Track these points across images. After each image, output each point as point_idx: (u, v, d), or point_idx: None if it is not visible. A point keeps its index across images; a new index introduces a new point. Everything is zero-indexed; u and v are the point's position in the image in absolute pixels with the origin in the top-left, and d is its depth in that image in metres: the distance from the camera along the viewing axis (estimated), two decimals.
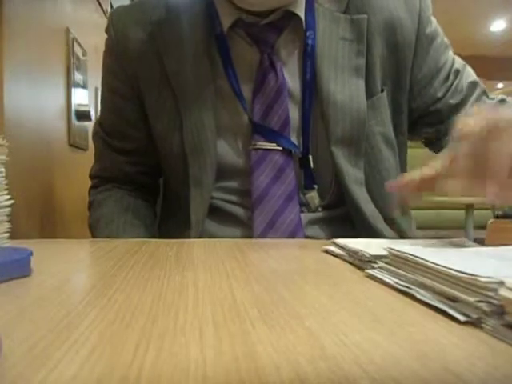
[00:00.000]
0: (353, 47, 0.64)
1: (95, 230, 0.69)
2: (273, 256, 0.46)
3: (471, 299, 0.24)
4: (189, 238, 0.63)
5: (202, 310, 0.26)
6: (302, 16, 0.64)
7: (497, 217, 3.57)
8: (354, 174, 0.64)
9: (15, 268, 0.34)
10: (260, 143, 0.64)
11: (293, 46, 0.66)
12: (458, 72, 0.71)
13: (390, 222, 0.66)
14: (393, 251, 0.34)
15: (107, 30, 0.70)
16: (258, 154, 0.64)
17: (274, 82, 0.64)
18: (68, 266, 0.40)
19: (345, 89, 0.64)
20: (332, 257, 0.44)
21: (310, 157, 0.65)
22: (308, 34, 0.64)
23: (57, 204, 0.90)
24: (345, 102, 0.63)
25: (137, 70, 0.67)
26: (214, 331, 0.22)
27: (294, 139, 0.65)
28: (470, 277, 0.25)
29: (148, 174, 0.76)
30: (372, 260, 0.37)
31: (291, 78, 0.65)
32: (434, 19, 0.70)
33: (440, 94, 0.69)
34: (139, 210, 0.73)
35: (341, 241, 0.44)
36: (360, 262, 0.38)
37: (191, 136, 0.64)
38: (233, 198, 0.67)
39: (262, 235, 0.63)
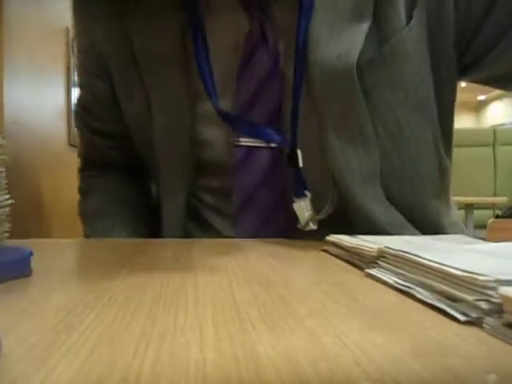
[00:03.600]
0: None
1: (83, 221, 0.67)
2: (273, 256, 0.46)
3: (470, 298, 0.24)
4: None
5: (202, 310, 0.26)
6: None
7: (497, 216, 3.57)
8: (358, 169, 0.48)
9: (15, 268, 0.34)
10: (244, 138, 0.54)
11: (289, 12, 0.50)
12: None
13: (420, 225, 0.51)
14: (392, 250, 0.34)
15: (73, 9, 0.63)
16: (242, 152, 0.53)
17: (265, 61, 0.51)
18: (68, 266, 0.40)
19: (340, 43, 0.47)
20: (332, 256, 0.44)
21: (299, 151, 0.50)
22: None
23: (57, 204, 0.90)
24: (332, 69, 0.47)
25: (105, 48, 0.60)
26: (214, 331, 0.22)
27: (284, 132, 0.52)
28: (469, 275, 0.25)
29: (134, 158, 0.66)
30: (376, 256, 0.37)
31: (286, 52, 0.52)
32: None
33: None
34: (127, 199, 0.67)
35: (340, 237, 0.44)
36: (360, 262, 0.38)
37: (162, 125, 0.55)
38: (212, 200, 0.59)
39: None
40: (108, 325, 0.23)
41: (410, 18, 0.47)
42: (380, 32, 0.47)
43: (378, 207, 0.49)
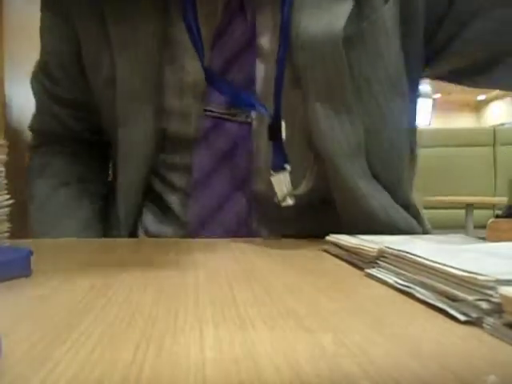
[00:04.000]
0: None
1: (29, 205, 0.60)
2: (273, 256, 0.46)
3: (471, 298, 0.24)
4: (118, 236, 0.55)
5: (202, 310, 0.26)
6: None
7: (497, 216, 3.56)
8: (344, 141, 0.47)
9: (15, 268, 0.34)
10: (214, 108, 0.51)
11: None
12: None
13: (403, 204, 0.51)
14: (392, 250, 0.34)
15: None
16: (210, 121, 0.51)
17: (241, 33, 0.51)
18: (68, 266, 0.40)
19: (321, 21, 0.46)
20: (331, 256, 0.44)
21: (283, 123, 0.48)
22: None
23: None
24: (317, 37, 0.46)
25: (74, 12, 0.56)
26: (214, 331, 0.22)
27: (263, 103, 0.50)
28: (469, 275, 0.25)
29: (99, 134, 0.62)
30: (376, 256, 0.37)
31: (265, 25, 0.51)
32: None
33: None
34: (82, 184, 0.62)
35: (340, 237, 0.44)
36: (360, 262, 0.38)
37: (126, 94, 0.52)
38: (173, 177, 0.55)
39: (199, 233, 0.52)
40: (108, 325, 0.23)
41: None
42: (360, 10, 0.47)
43: (363, 182, 0.48)
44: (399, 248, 0.34)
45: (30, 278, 0.34)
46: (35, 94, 0.64)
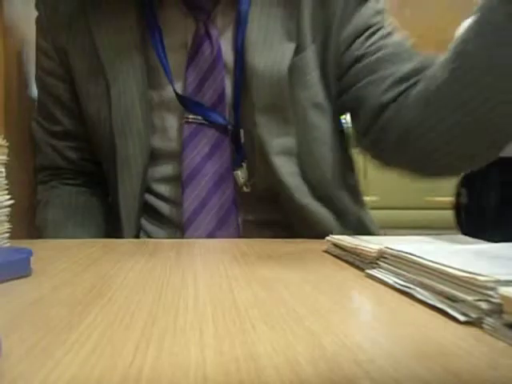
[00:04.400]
0: (285, 12, 0.61)
1: (43, 232, 0.66)
2: (272, 256, 0.46)
3: (470, 298, 0.24)
4: (123, 236, 0.62)
5: (202, 310, 0.26)
6: None
7: None
8: (280, 145, 0.60)
9: (15, 268, 0.34)
10: (192, 117, 0.62)
11: (228, 15, 0.63)
12: (386, 34, 0.64)
13: (325, 198, 0.63)
14: (392, 251, 0.34)
15: (37, 7, 0.67)
16: (191, 127, 0.62)
17: (209, 53, 0.61)
18: (68, 265, 0.40)
19: (271, 54, 0.60)
20: (331, 256, 0.44)
21: (241, 131, 0.62)
22: (243, 1, 0.61)
23: None
24: (266, 67, 0.60)
25: (66, 45, 0.64)
26: (214, 331, 0.22)
27: (228, 113, 0.62)
28: (469, 275, 0.25)
29: (93, 162, 0.71)
30: (377, 257, 0.37)
31: (227, 48, 0.62)
32: None
33: (359, 53, 0.63)
34: (89, 209, 0.70)
35: (340, 237, 0.44)
36: (360, 263, 0.38)
37: (120, 114, 0.61)
38: (166, 190, 0.64)
39: (193, 217, 0.61)
40: (108, 325, 0.23)
41: (312, 40, 0.62)
42: (296, 48, 0.61)
43: (293, 179, 0.61)
44: (399, 249, 0.34)
45: (29, 277, 0.34)
46: (35, 134, 0.71)
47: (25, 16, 0.73)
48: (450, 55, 0.51)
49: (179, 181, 0.62)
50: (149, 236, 0.65)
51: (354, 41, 0.63)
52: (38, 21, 0.67)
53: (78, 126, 0.68)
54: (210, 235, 0.61)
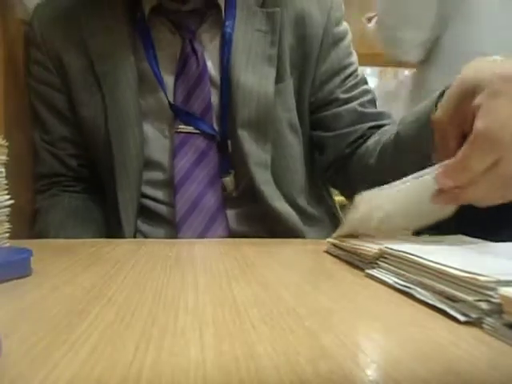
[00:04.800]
0: (267, 38, 0.68)
1: (44, 236, 0.68)
2: (272, 256, 0.46)
3: (470, 298, 0.24)
4: (123, 237, 0.64)
5: (201, 310, 0.26)
6: (222, 6, 0.67)
7: None
8: (258, 156, 0.67)
9: (15, 268, 0.34)
10: (182, 127, 0.66)
11: (213, 34, 0.69)
12: (358, 79, 0.74)
13: (295, 206, 0.69)
14: (392, 251, 0.34)
15: (31, 22, 0.70)
16: (181, 137, 0.66)
17: (195, 68, 0.67)
18: (68, 265, 0.40)
19: (255, 76, 0.67)
20: (331, 257, 0.44)
21: (229, 142, 0.67)
22: (227, 23, 0.68)
23: None
24: (253, 87, 0.66)
25: (62, 59, 0.68)
26: (214, 331, 0.22)
27: (215, 124, 0.67)
28: (469, 276, 0.25)
29: (91, 168, 0.74)
30: (377, 257, 0.37)
31: (212, 65, 0.68)
32: (346, 24, 0.75)
33: (337, 94, 0.72)
34: (89, 213, 0.72)
35: (339, 237, 0.44)
36: (360, 263, 0.38)
37: (116, 123, 0.65)
38: (159, 193, 0.68)
39: (185, 217, 0.65)
40: (108, 325, 0.23)
41: (290, 74, 0.70)
42: (277, 75, 0.68)
43: (267, 188, 0.67)
44: (399, 249, 0.34)
45: (29, 277, 0.34)
46: (35, 143, 0.73)
47: (26, 16, 0.73)
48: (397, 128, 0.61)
49: (171, 185, 0.66)
50: (145, 236, 0.68)
51: (329, 80, 0.72)
52: (32, 35, 0.69)
53: (75, 134, 0.71)
54: (202, 234, 0.65)
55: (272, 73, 0.68)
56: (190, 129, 0.66)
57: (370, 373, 0.18)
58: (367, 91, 0.74)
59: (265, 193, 0.66)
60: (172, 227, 0.66)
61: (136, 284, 0.32)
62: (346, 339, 0.21)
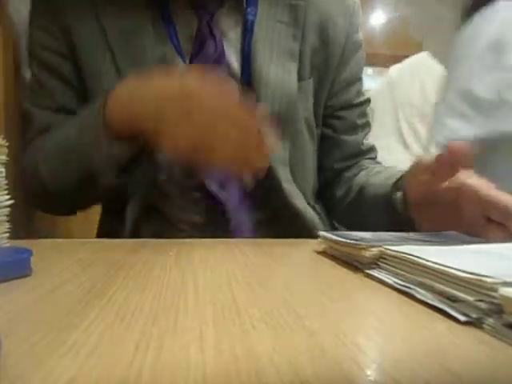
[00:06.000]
0: (289, 31, 0.66)
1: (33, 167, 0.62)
2: (272, 256, 0.46)
3: (471, 298, 0.24)
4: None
5: (202, 309, 0.26)
6: None
7: None
8: (278, 155, 0.65)
9: (15, 268, 0.34)
10: None
11: (233, 20, 0.66)
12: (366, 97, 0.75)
13: (310, 205, 0.69)
14: (392, 252, 0.34)
15: None
16: None
17: (213, 51, 0.64)
18: (68, 265, 0.40)
19: (278, 69, 0.64)
20: (331, 257, 0.44)
21: None
22: (249, 10, 0.65)
23: None
24: (277, 81, 0.64)
25: (70, 26, 0.64)
26: (214, 331, 0.22)
27: None
28: (475, 277, 0.24)
29: None
30: (376, 257, 0.37)
31: (230, 51, 0.65)
32: (360, 33, 0.74)
33: (354, 102, 0.73)
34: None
35: (336, 235, 0.43)
36: (360, 263, 0.38)
37: None
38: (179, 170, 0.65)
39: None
40: (108, 325, 0.23)
41: (310, 74, 0.69)
42: (298, 72, 0.67)
43: (288, 185, 0.66)
44: (398, 249, 0.34)
45: (29, 277, 0.34)
46: (31, 116, 0.68)
47: (25, 17, 0.74)
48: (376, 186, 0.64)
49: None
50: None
51: (347, 87, 0.72)
52: (36, 2, 0.66)
53: (79, 103, 0.66)
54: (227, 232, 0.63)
55: (294, 68, 0.65)
56: None
57: (370, 373, 0.18)
58: (368, 122, 0.76)
59: (286, 190, 0.65)
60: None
61: (136, 284, 0.32)
62: (345, 339, 0.21)
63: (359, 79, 0.74)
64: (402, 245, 0.35)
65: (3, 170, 0.46)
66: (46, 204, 0.68)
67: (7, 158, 0.46)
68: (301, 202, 0.67)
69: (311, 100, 0.69)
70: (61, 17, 0.64)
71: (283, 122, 0.64)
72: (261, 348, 0.20)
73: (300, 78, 0.66)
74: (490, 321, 0.23)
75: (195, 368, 0.18)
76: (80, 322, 0.24)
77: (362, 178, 0.71)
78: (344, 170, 0.75)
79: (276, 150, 0.61)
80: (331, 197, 0.75)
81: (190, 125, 0.50)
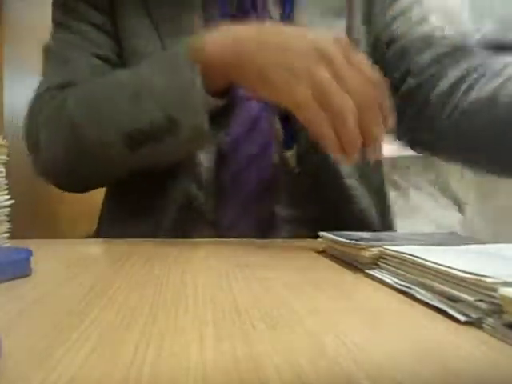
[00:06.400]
0: None
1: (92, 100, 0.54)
2: (272, 256, 0.46)
3: (471, 298, 0.24)
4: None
5: (202, 310, 0.26)
6: None
7: None
8: None
9: (15, 268, 0.34)
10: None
11: None
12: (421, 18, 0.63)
13: (367, 184, 0.62)
14: (392, 252, 0.34)
15: None
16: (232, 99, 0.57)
17: (254, 13, 0.60)
18: (68, 265, 0.40)
19: (325, 27, 0.60)
20: (332, 257, 0.44)
21: None
22: None
23: (57, 204, 0.90)
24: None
25: (113, 4, 0.60)
26: (214, 331, 0.22)
27: None
28: (475, 277, 0.24)
29: None
30: (377, 257, 0.37)
31: (274, 13, 0.61)
32: None
33: (396, 32, 0.63)
34: None
35: (337, 235, 0.43)
36: (360, 263, 0.38)
37: None
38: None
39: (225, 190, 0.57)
40: (108, 325, 0.23)
41: (364, 21, 0.63)
42: (348, 28, 0.61)
43: (352, 181, 0.60)
44: (398, 249, 0.34)
45: (29, 277, 0.34)
46: (51, 58, 0.62)
47: (25, 16, 0.74)
48: None
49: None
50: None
51: (391, 22, 0.63)
52: None
53: (116, 57, 0.61)
54: (240, 213, 0.58)
55: (342, 26, 0.60)
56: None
57: (370, 373, 0.18)
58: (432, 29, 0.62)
59: (341, 169, 0.59)
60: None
61: (136, 284, 0.32)
62: (346, 339, 0.21)
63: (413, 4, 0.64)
64: (402, 245, 0.35)
65: (3, 169, 0.46)
66: (58, 169, 0.59)
67: (7, 158, 0.46)
68: (355, 182, 0.60)
69: (366, 50, 0.62)
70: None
71: None
72: (261, 348, 0.20)
73: (348, 33, 0.60)
74: (490, 321, 0.23)
75: (195, 368, 0.18)
76: (80, 322, 0.24)
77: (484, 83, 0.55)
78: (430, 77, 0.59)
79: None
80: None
81: (318, 80, 0.43)
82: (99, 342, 0.21)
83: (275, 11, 0.61)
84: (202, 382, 0.17)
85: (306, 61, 0.44)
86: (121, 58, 0.61)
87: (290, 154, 0.60)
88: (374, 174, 0.65)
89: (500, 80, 0.52)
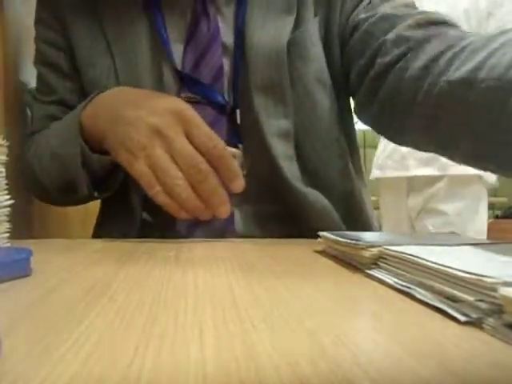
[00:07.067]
0: None
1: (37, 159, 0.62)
2: (272, 256, 0.46)
3: (471, 298, 0.24)
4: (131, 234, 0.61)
5: (202, 310, 0.26)
6: None
7: (496, 217, 3.56)
8: (277, 125, 0.60)
9: (15, 268, 0.34)
10: (189, 95, 0.61)
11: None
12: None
13: (323, 186, 0.62)
14: (392, 252, 0.34)
15: None
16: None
17: (206, 30, 0.61)
18: (68, 265, 0.40)
19: (270, 30, 0.60)
20: (331, 257, 0.44)
21: (237, 111, 0.61)
22: None
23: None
24: (266, 43, 0.59)
25: (68, 19, 0.65)
26: (214, 331, 0.22)
27: (226, 93, 0.61)
28: (476, 277, 0.24)
29: None
30: (376, 257, 0.37)
31: (226, 28, 0.62)
32: None
33: (357, 18, 0.62)
34: None
35: (336, 235, 0.44)
36: (360, 263, 0.38)
37: (126, 81, 0.61)
38: None
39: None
40: (108, 325, 0.23)
41: (315, 14, 0.63)
42: (296, 21, 0.61)
43: (288, 164, 0.60)
44: (398, 249, 0.34)
45: (29, 277, 0.34)
46: (30, 107, 0.71)
47: (25, 17, 0.74)
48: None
49: None
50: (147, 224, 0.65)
51: (354, 9, 0.62)
52: None
53: (76, 96, 0.67)
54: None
55: (289, 22, 0.60)
56: (197, 98, 0.60)
57: (370, 373, 0.18)
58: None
59: (284, 169, 0.59)
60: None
61: (136, 284, 0.32)
62: (345, 339, 0.21)
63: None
64: (402, 245, 0.35)
65: (3, 169, 0.46)
66: (44, 195, 0.68)
67: (7, 158, 0.46)
68: (304, 184, 0.60)
69: (317, 47, 0.62)
70: (58, 8, 0.65)
71: (277, 87, 0.59)
72: (261, 348, 0.20)
73: (297, 26, 0.61)
74: (490, 321, 0.23)
75: (195, 368, 0.18)
76: (80, 322, 0.24)
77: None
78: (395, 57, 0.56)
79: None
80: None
81: (154, 158, 0.49)
82: (99, 342, 0.21)
83: (228, 12, 0.63)
84: (202, 382, 0.17)
85: (145, 139, 0.49)
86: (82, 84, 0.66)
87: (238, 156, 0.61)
88: (341, 181, 0.64)
89: (483, 54, 0.45)
